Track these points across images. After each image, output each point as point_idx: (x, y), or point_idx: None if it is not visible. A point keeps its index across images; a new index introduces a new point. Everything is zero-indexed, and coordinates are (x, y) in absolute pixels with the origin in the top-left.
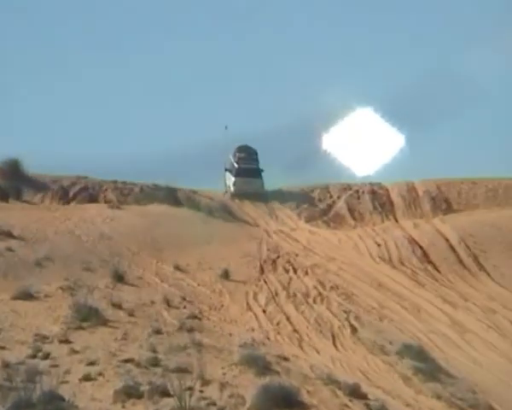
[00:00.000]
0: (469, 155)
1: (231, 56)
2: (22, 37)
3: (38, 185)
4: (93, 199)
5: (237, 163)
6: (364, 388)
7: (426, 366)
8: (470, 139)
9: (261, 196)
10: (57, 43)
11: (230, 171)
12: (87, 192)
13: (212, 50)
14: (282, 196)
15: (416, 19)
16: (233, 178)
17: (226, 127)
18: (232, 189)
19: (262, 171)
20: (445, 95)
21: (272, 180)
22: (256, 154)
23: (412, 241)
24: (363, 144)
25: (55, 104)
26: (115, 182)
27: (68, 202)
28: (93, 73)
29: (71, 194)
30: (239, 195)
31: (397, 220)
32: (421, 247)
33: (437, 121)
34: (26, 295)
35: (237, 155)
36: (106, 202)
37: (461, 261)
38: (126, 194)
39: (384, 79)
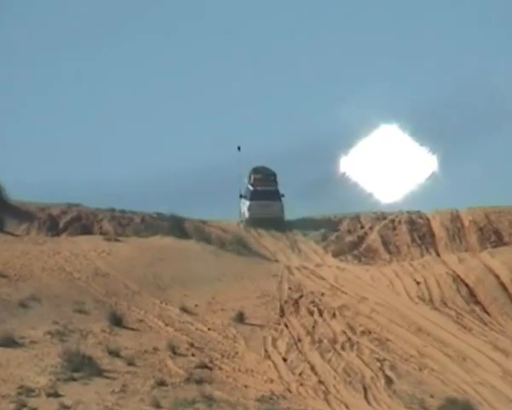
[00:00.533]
0: None
1: (240, 72)
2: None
3: (23, 215)
4: (87, 230)
5: (252, 185)
6: None
7: None
8: None
9: (281, 223)
10: (44, 58)
11: (245, 196)
12: (79, 222)
13: (220, 65)
14: (305, 227)
15: (449, 25)
16: (248, 203)
17: (239, 148)
18: (247, 214)
19: (282, 196)
20: (484, 109)
21: (286, 209)
22: (274, 175)
23: (457, 278)
24: (387, 167)
25: (43, 125)
26: (112, 211)
27: (58, 234)
28: (85, 87)
29: (61, 224)
30: (255, 221)
31: (439, 254)
32: (467, 285)
33: (475, 140)
34: (9, 342)
35: (253, 176)
36: (101, 233)
37: None
38: (125, 224)
39: (412, 92)
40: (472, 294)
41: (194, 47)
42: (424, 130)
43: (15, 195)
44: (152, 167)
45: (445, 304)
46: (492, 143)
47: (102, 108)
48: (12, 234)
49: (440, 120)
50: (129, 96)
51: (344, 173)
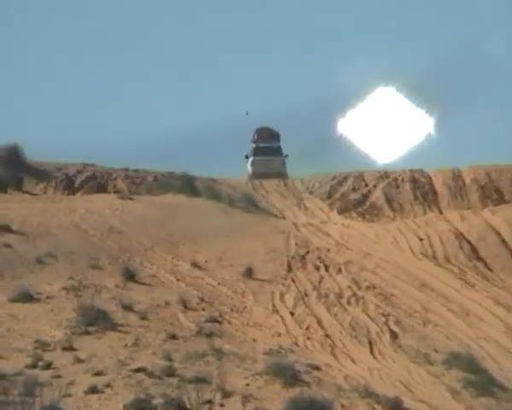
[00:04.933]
0: None
1: (243, 33)
2: (25, 20)
3: (40, 174)
4: (101, 189)
5: (255, 143)
6: (406, 402)
7: (477, 378)
8: None
9: (283, 178)
10: (61, 26)
11: (249, 155)
12: (94, 181)
13: (227, 25)
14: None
15: None
16: (251, 159)
17: (247, 113)
18: (250, 170)
19: (286, 156)
20: (481, 69)
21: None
22: (277, 134)
23: (459, 235)
24: (384, 128)
25: (58, 86)
26: (126, 170)
27: (73, 193)
28: (99, 48)
29: (76, 183)
30: (258, 176)
31: (441, 212)
32: (469, 242)
33: (472, 100)
34: (26, 297)
35: (256, 135)
36: (115, 192)
37: None
38: (138, 183)
39: (409, 54)
40: (474, 250)
41: (198, 4)
42: (421, 91)
43: (33, 155)
44: (164, 127)
45: (448, 260)
46: (489, 103)
47: (114, 68)
48: (29, 193)
49: (437, 82)
50: (136, 59)
51: (342, 135)
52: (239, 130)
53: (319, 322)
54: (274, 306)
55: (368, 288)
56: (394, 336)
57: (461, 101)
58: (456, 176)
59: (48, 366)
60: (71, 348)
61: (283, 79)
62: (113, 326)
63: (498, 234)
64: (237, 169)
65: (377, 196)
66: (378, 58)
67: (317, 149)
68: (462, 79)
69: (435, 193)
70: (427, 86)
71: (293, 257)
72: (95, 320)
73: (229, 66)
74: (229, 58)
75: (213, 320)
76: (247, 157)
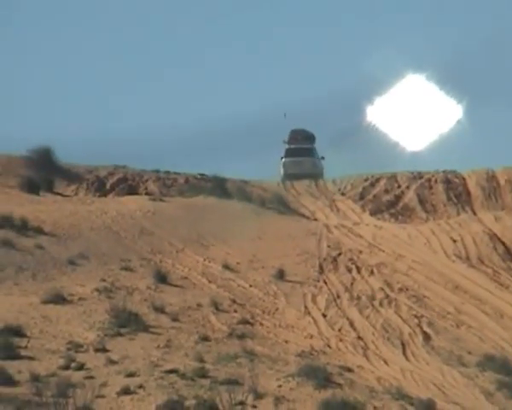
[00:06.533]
0: None
1: (266, 23)
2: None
3: (72, 176)
4: (132, 191)
5: (288, 144)
6: (440, 404)
7: (511, 380)
8: None
9: (314, 179)
10: (89, 25)
11: (282, 157)
12: (126, 183)
13: (248, 14)
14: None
15: None
16: (283, 160)
17: (285, 115)
18: (282, 171)
19: (322, 158)
20: None
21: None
22: (312, 137)
23: (493, 236)
24: (413, 116)
25: (90, 87)
26: (157, 172)
27: (105, 195)
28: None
29: (108, 185)
30: (289, 177)
31: (475, 213)
32: (503, 243)
33: (503, 90)
34: (58, 299)
35: (289, 137)
36: (147, 193)
37: None
38: (169, 185)
39: (440, 41)
40: (508, 252)
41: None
42: (451, 80)
43: (64, 157)
44: (196, 124)
45: (482, 262)
46: None
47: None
48: (61, 195)
49: (469, 72)
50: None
51: (370, 123)
52: (276, 130)
53: (351, 324)
54: (306, 308)
55: (400, 290)
56: (427, 337)
57: (491, 91)
58: (490, 177)
59: (81, 367)
60: (103, 350)
61: (310, 70)
62: (145, 328)
63: None
64: (271, 171)
65: (410, 197)
66: (407, 46)
67: (344, 141)
68: (494, 69)
69: (469, 194)
70: (457, 75)
71: (324, 259)
72: (127, 322)
73: (254, 57)
74: (253, 49)
75: (245, 322)
76: (282, 159)
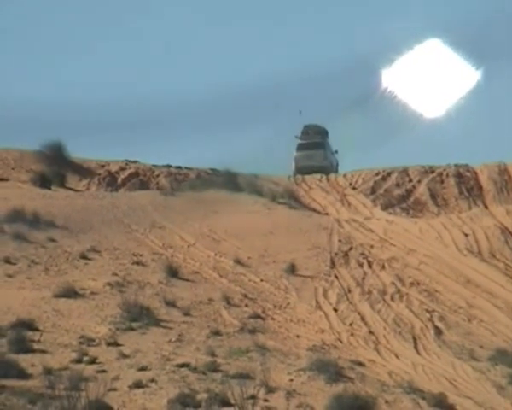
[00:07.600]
0: None
1: None
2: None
3: (83, 171)
4: (144, 186)
5: (300, 139)
6: (451, 398)
7: None
8: None
9: (325, 172)
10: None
11: (294, 152)
12: (137, 178)
13: None
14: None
15: None
16: (294, 154)
17: (300, 112)
18: (293, 165)
19: (336, 152)
20: None
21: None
22: (324, 132)
23: (505, 230)
24: (430, 82)
25: (101, 84)
26: (168, 167)
27: (116, 189)
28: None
29: (119, 180)
30: (300, 170)
31: (487, 207)
32: None
33: None
34: (70, 292)
35: (302, 131)
36: (158, 188)
37: None
38: (181, 180)
39: (456, 6)
40: None
41: None
42: (468, 45)
43: (76, 152)
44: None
45: (494, 256)
46: None
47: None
48: (73, 190)
49: (485, 36)
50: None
51: (386, 88)
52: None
53: (363, 318)
54: (317, 302)
55: (412, 284)
56: (439, 331)
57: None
58: (502, 170)
59: (93, 361)
60: (115, 344)
61: (324, 33)
62: (157, 322)
63: None
64: (281, 166)
65: (421, 191)
66: (423, 11)
67: (357, 107)
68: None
69: (480, 188)
70: (474, 39)
71: (336, 253)
72: (138, 316)
73: (268, 25)
74: (267, 16)
75: (256, 316)
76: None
